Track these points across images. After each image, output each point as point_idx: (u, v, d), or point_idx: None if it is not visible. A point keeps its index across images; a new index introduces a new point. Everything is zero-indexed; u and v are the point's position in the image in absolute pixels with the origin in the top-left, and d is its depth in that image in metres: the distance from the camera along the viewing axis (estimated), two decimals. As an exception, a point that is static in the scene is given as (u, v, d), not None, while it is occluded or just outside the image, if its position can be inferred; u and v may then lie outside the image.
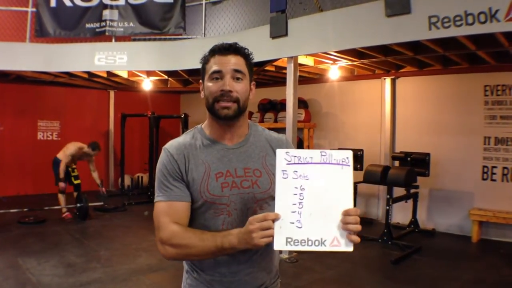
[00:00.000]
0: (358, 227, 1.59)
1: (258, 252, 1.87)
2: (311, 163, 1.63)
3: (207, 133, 1.92)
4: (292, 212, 1.59)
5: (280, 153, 1.63)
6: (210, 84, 1.83)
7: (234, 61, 1.83)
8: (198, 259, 1.85)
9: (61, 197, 8.68)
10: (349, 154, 1.66)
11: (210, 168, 1.82)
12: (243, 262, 1.86)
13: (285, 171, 1.61)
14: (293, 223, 1.59)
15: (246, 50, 1.92)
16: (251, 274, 1.89)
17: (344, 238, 1.60)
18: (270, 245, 1.76)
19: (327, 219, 1.61)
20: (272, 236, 1.57)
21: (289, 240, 1.59)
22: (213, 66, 1.83)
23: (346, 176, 1.64)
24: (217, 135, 1.90)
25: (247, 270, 1.88)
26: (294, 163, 1.62)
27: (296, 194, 1.61)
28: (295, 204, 1.60)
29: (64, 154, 8.76)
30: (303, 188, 1.61)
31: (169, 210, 1.80)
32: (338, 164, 1.64)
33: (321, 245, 1.60)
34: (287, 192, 1.60)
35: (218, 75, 1.81)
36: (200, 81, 1.93)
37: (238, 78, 1.82)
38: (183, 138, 1.92)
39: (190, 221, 1.85)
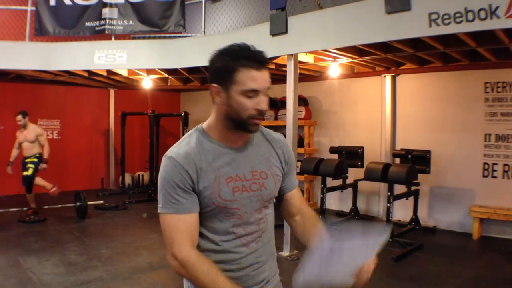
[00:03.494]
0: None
1: (263, 246, 1.95)
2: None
3: (212, 136, 1.86)
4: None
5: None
6: (243, 100, 1.73)
7: (267, 78, 1.77)
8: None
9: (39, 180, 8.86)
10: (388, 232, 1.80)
11: (220, 173, 1.80)
12: (251, 259, 1.91)
13: None
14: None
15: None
16: (258, 269, 1.94)
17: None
18: (271, 238, 2.02)
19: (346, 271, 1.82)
20: None
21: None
22: (248, 82, 1.72)
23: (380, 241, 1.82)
24: (225, 140, 1.86)
25: (255, 265, 1.92)
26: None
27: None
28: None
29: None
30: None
31: (181, 225, 1.78)
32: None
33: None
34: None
35: (254, 94, 1.74)
36: (216, 85, 1.80)
37: (266, 94, 1.80)
38: (188, 145, 1.84)
39: (200, 225, 1.85)
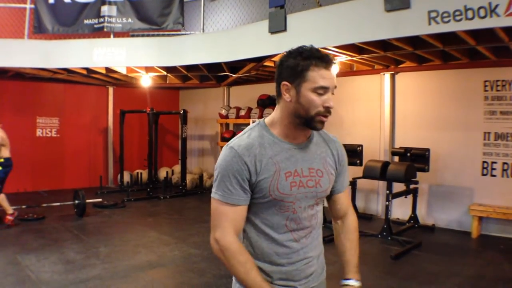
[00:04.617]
0: None
1: (313, 242, 2.04)
2: None
3: (274, 132, 1.94)
4: None
5: None
6: (314, 97, 1.83)
7: (334, 77, 1.87)
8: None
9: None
10: None
11: (280, 167, 1.88)
12: (301, 254, 1.98)
13: None
14: None
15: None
16: (307, 263, 2.01)
17: None
18: (320, 235, 2.12)
19: None
20: None
21: None
22: (319, 79, 1.82)
23: None
24: (286, 136, 1.94)
25: (304, 260, 1.99)
26: None
27: None
28: None
29: None
30: None
31: (229, 213, 1.88)
32: None
33: None
34: None
35: (323, 91, 1.83)
36: (286, 82, 1.88)
37: (333, 93, 1.88)
38: (250, 137, 1.92)
39: (254, 215, 1.95)
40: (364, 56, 7.85)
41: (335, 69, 1.91)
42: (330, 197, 2.17)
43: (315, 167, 1.97)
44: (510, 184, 7.47)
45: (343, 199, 2.19)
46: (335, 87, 1.87)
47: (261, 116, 10.22)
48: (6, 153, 7.87)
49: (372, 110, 9.25)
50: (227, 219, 1.88)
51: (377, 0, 5.66)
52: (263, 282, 1.83)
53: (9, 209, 7.86)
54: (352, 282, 2.06)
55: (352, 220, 2.21)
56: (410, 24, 5.45)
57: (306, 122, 1.87)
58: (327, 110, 1.85)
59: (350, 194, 8.85)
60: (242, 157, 1.85)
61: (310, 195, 1.95)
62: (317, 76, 1.82)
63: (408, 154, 8.00)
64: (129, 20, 8.86)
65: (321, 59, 1.83)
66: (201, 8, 8.79)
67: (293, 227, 1.94)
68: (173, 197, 11.03)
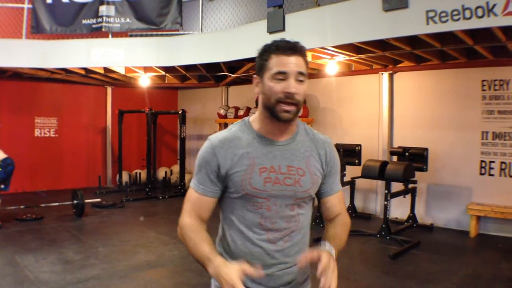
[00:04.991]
0: None
1: (292, 246, 1.93)
2: None
3: (255, 128, 1.92)
4: None
5: None
6: (272, 84, 1.80)
7: (298, 63, 1.81)
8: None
9: None
10: None
11: (255, 162, 1.85)
12: (277, 258, 1.90)
13: None
14: None
15: (306, 50, 1.90)
16: (284, 270, 1.92)
17: None
18: (303, 243, 1.99)
19: None
20: None
21: None
22: (277, 66, 1.80)
23: None
24: (266, 132, 1.91)
25: (281, 265, 1.91)
26: None
27: None
28: None
29: None
30: None
31: (196, 203, 1.93)
32: None
33: None
34: None
35: (282, 76, 1.79)
36: (255, 75, 1.90)
37: (300, 80, 1.81)
38: (230, 131, 1.94)
39: (231, 212, 1.93)
40: (363, 56, 7.86)
41: (302, 56, 1.84)
42: (320, 200, 2.10)
43: (296, 166, 1.90)
44: (508, 183, 7.49)
45: (333, 202, 2.09)
46: (301, 73, 1.81)
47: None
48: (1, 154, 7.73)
49: (370, 109, 9.26)
50: (193, 207, 1.92)
51: (375, 0, 5.67)
52: (211, 254, 1.75)
53: None
54: (327, 245, 1.83)
55: (343, 217, 2.10)
56: (408, 23, 5.47)
57: (272, 113, 1.83)
58: (287, 96, 1.78)
59: (348, 197, 8.95)
60: (215, 149, 1.87)
61: (287, 194, 1.87)
62: (275, 62, 1.81)
63: (407, 154, 8.01)
64: (127, 20, 8.86)
65: (282, 46, 1.82)
66: (200, 8, 8.81)
67: (268, 226, 1.87)
68: (171, 197, 11.02)
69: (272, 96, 1.80)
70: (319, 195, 2.06)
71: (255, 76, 1.90)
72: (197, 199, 1.92)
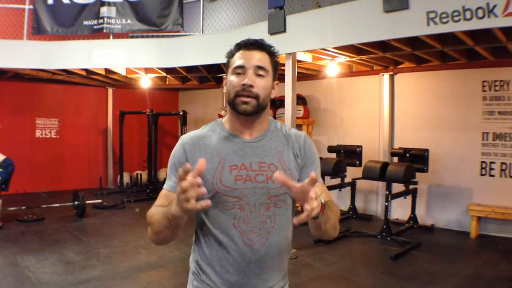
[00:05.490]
0: None
1: (270, 249, 1.82)
2: None
3: (226, 127, 1.91)
4: None
5: None
6: (232, 78, 1.82)
7: (258, 57, 1.82)
8: (162, 236, 1.78)
9: None
10: None
11: (225, 160, 1.82)
12: (253, 262, 1.80)
13: None
14: None
15: (272, 48, 1.90)
16: (260, 276, 1.82)
17: None
18: (281, 246, 1.86)
19: None
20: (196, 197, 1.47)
21: None
22: (236, 60, 1.83)
23: None
24: (236, 129, 1.89)
25: (257, 271, 1.81)
26: None
27: None
28: None
29: None
30: None
31: (165, 199, 1.85)
32: None
33: None
34: None
35: (241, 70, 1.80)
36: (224, 76, 1.92)
37: (260, 75, 1.81)
38: (201, 130, 1.94)
39: (204, 215, 1.86)
40: (363, 57, 7.86)
41: (267, 52, 1.86)
42: None
43: (268, 162, 1.84)
44: (509, 184, 7.50)
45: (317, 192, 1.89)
46: (261, 68, 1.80)
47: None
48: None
49: (371, 111, 9.27)
50: (158, 203, 1.85)
51: (376, 1, 5.67)
52: (170, 206, 1.59)
53: None
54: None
55: (331, 202, 1.83)
56: (409, 25, 5.47)
57: (232, 107, 1.83)
58: (244, 89, 1.77)
59: (348, 198, 8.96)
60: (184, 146, 1.88)
61: (260, 191, 1.79)
62: (235, 58, 1.84)
63: (407, 155, 8.02)
64: (129, 21, 8.87)
65: (244, 43, 1.86)
66: (201, 9, 8.80)
67: (242, 227, 1.78)
68: (172, 198, 11.00)
69: (231, 90, 1.82)
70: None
71: (224, 76, 1.92)
72: (167, 197, 1.84)
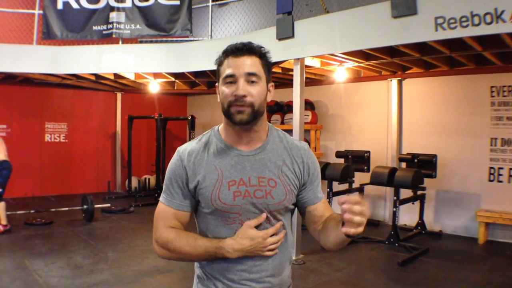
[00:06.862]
0: None
1: (272, 260, 1.83)
2: None
3: (222, 137, 1.85)
4: None
5: None
6: (224, 88, 1.75)
7: (248, 63, 1.75)
8: (182, 259, 1.86)
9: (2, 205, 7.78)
10: None
11: (223, 175, 1.77)
12: (254, 271, 1.81)
13: None
14: None
15: (261, 49, 1.83)
16: (263, 283, 1.82)
17: None
18: (283, 253, 1.88)
19: None
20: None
21: None
22: (226, 69, 1.76)
23: None
24: (232, 140, 1.83)
25: (259, 281, 1.82)
26: None
27: None
28: None
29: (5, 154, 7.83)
30: None
31: (168, 216, 1.85)
32: None
33: None
34: None
35: (231, 79, 1.73)
36: (216, 84, 1.85)
37: (252, 81, 1.74)
38: (199, 142, 1.87)
39: (205, 229, 1.86)
40: (371, 62, 7.87)
41: (257, 56, 1.80)
42: (303, 210, 1.94)
43: (267, 176, 1.79)
44: (518, 190, 7.47)
45: (321, 208, 1.93)
46: (252, 74, 1.74)
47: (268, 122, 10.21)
48: (0, 156, 7.73)
49: (379, 116, 9.26)
50: (166, 222, 1.83)
51: (384, 7, 5.68)
52: (214, 241, 1.75)
53: (4, 220, 7.72)
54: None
55: (333, 216, 1.89)
56: (417, 30, 5.46)
57: (227, 117, 1.77)
58: (237, 99, 1.71)
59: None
60: (183, 161, 1.82)
61: (260, 207, 1.77)
62: (225, 67, 1.77)
63: (416, 160, 8.00)
64: (138, 26, 8.91)
65: (231, 48, 1.79)
66: (209, 14, 8.84)
67: None
68: (180, 203, 11.02)
69: (224, 100, 1.76)
70: (303, 204, 1.93)
71: (216, 85, 1.86)
72: (172, 215, 1.84)
